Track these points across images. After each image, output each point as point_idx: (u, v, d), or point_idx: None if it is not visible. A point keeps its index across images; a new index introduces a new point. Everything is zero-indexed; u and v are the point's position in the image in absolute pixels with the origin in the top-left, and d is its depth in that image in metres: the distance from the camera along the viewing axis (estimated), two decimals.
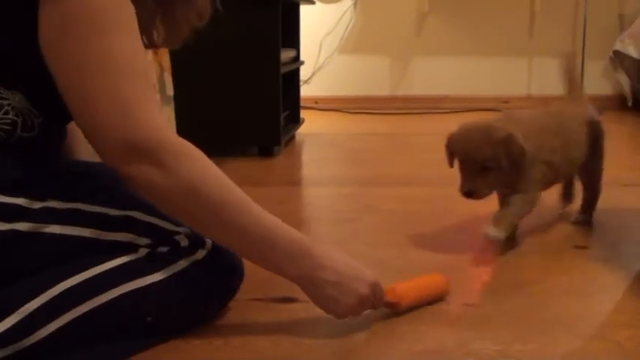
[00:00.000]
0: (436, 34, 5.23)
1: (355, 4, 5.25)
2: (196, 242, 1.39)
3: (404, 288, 1.47)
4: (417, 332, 1.39)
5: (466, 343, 1.35)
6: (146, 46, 1.45)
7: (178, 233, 1.38)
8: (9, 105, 1.24)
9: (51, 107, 1.27)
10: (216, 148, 3.36)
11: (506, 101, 5.11)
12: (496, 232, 1.78)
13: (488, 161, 1.73)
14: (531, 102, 5.09)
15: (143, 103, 1.19)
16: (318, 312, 1.41)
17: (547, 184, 1.95)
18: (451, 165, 1.83)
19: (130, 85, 1.19)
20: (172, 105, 2.67)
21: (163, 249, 1.36)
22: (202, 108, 3.23)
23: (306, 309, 1.51)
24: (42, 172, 1.31)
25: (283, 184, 2.88)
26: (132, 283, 1.30)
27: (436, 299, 1.52)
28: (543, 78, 5.21)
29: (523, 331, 1.42)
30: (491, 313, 1.51)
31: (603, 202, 2.19)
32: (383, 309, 1.43)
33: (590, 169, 2.11)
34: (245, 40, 3.25)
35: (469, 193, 1.75)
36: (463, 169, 1.78)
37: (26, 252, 1.27)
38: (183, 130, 2.71)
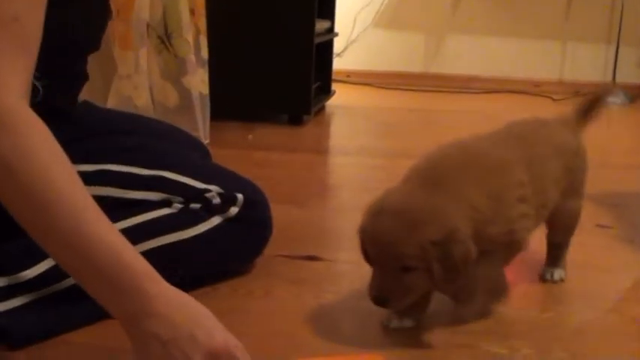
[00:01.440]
0: (472, 12, 5.20)
1: None
2: (228, 199, 1.42)
3: None
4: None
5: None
6: None
7: (209, 191, 1.41)
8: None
9: (53, 66, 1.20)
10: (247, 113, 3.42)
11: (537, 85, 5.07)
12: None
13: (410, 261, 1.15)
14: (563, 87, 5.06)
15: None
16: (342, 270, 1.43)
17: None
18: (369, 262, 1.25)
19: None
20: (206, 68, 2.70)
21: (196, 206, 1.39)
22: (236, 73, 3.26)
23: (330, 268, 1.55)
24: (67, 136, 1.32)
25: (311, 152, 2.90)
26: (166, 237, 1.34)
27: None
28: (576, 63, 5.17)
29: (541, 299, 1.45)
30: (510, 282, 1.54)
31: (633, 185, 2.19)
32: None
33: (564, 211, 1.51)
34: (281, 8, 3.27)
35: (379, 300, 1.19)
36: (374, 266, 1.22)
37: None
38: (215, 94, 2.76)
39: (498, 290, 1.35)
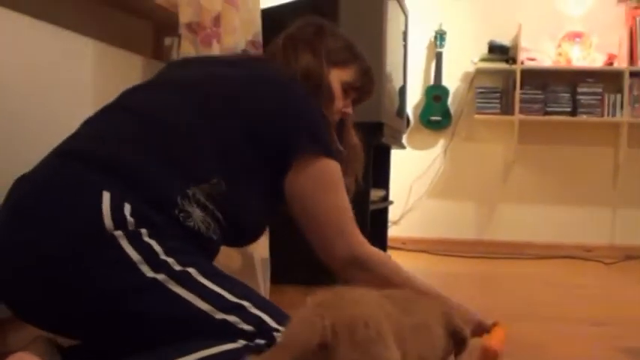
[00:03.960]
0: (522, 182, 5.39)
1: (445, 152, 5.48)
2: None
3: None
4: None
5: None
6: None
7: (278, 330, 1.56)
8: (217, 224, 1.68)
9: (230, 232, 1.74)
10: (306, 277, 3.54)
11: (589, 250, 5.17)
12: None
13: None
14: (614, 251, 5.14)
15: (352, 229, 1.89)
16: None
17: None
18: None
19: (345, 218, 1.88)
20: (267, 234, 2.87)
21: (261, 342, 1.54)
22: (295, 239, 3.40)
23: None
24: (197, 255, 1.60)
25: None
26: None
27: None
28: (627, 228, 5.28)
29: None
30: None
31: None
32: None
33: None
34: None
35: None
36: None
37: (154, 298, 1.51)
38: (276, 259, 2.93)
39: None
